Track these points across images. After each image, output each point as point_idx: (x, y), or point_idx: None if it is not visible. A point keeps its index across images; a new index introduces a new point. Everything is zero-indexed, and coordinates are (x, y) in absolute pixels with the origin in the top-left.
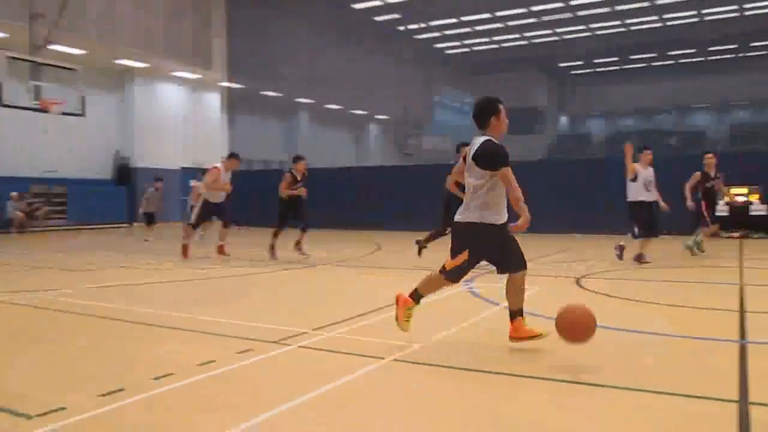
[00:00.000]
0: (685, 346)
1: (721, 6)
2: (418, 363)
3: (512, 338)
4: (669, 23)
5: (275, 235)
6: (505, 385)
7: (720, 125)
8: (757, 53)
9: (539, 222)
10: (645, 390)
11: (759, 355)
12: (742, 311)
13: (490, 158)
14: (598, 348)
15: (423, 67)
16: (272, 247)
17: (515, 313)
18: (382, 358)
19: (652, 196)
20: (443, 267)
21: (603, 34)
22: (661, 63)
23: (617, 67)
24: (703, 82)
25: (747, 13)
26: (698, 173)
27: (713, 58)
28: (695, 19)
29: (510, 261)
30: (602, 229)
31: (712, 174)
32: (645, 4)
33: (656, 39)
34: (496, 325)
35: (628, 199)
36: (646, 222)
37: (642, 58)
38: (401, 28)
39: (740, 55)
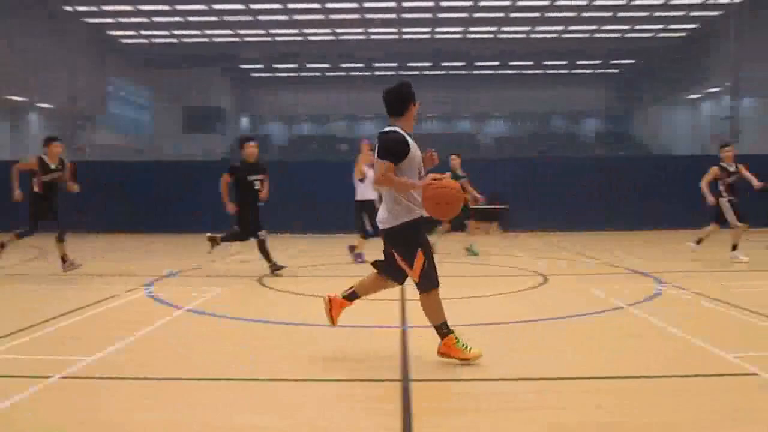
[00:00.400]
0: (355, 335)
1: (384, 27)
2: (91, 378)
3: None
4: (341, 38)
5: (17, 236)
6: (177, 390)
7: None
8: (411, 73)
9: (225, 223)
10: (318, 379)
11: (416, 338)
12: (402, 300)
13: (381, 147)
14: (273, 343)
15: (94, 54)
16: (2, 245)
17: (352, 296)
18: (50, 377)
19: (377, 195)
20: (416, 285)
21: (282, 41)
22: (333, 74)
23: (295, 74)
24: (371, 95)
25: (436, 36)
26: (448, 174)
27: (378, 74)
28: (362, 37)
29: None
30: (283, 229)
31: (460, 173)
32: (320, 17)
33: (330, 51)
34: (179, 330)
35: (357, 199)
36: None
37: (317, 68)
38: (68, 8)
39: (399, 73)
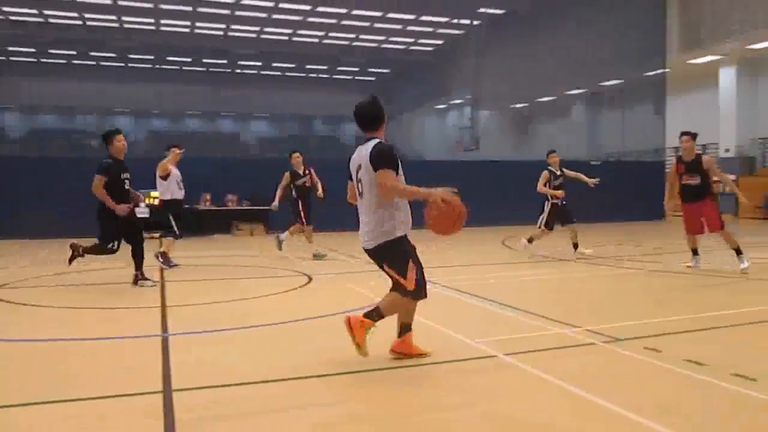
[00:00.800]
0: (111, 347)
1: (139, 16)
2: None
3: (396, 352)
4: (90, 23)
5: None
6: None
7: (139, 130)
8: (171, 67)
9: None
10: (69, 399)
11: (179, 345)
12: (163, 306)
13: (379, 158)
14: (8, 363)
15: None
16: None
17: (407, 327)
18: None
19: (182, 194)
20: (402, 289)
21: (17, 20)
22: (81, 62)
23: (35, 59)
24: (126, 88)
25: (197, 30)
26: (287, 173)
27: (132, 65)
28: (115, 24)
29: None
30: (23, 233)
31: (301, 171)
32: None
33: (77, 37)
34: None
35: (163, 198)
36: (178, 221)
37: (62, 54)
38: None
39: (156, 66)
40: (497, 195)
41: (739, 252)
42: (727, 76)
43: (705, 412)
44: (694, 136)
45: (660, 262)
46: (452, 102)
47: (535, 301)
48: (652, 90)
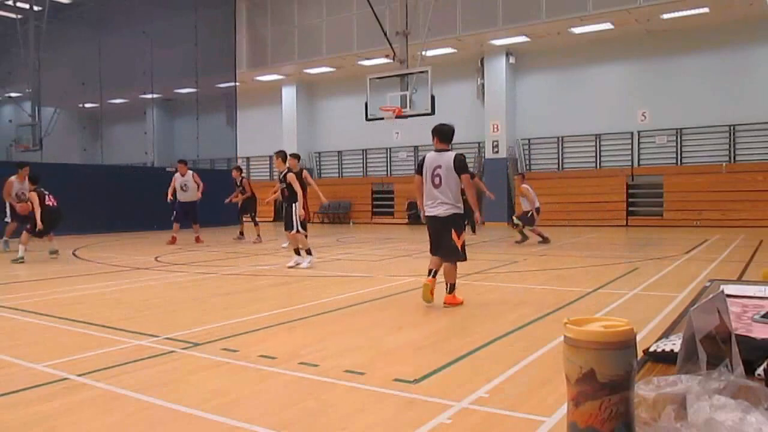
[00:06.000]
0: None
1: None
2: None
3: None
4: None
5: None
6: None
7: None
8: None
9: None
10: None
11: None
12: None
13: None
14: None
15: None
16: None
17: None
18: None
19: None
20: (456, 252)
21: None
22: None
23: None
24: None
25: None
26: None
27: None
28: None
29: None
30: None
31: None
32: None
33: None
34: None
35: None
36: None
37: None
38: None
39: None
40: (66, 203)
41: (299, 253)
42: (289, 94)
43: (270, 400)
44: (296, 157)
45: (235, 266)
46: (9, 95)
47: (109, 313)
48: (225, 101)
